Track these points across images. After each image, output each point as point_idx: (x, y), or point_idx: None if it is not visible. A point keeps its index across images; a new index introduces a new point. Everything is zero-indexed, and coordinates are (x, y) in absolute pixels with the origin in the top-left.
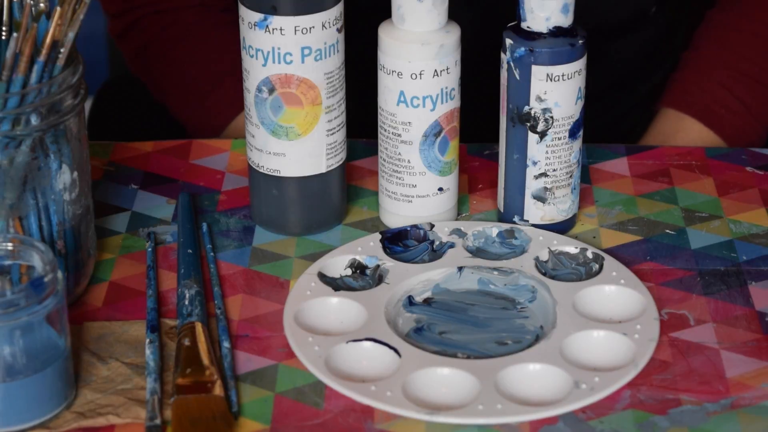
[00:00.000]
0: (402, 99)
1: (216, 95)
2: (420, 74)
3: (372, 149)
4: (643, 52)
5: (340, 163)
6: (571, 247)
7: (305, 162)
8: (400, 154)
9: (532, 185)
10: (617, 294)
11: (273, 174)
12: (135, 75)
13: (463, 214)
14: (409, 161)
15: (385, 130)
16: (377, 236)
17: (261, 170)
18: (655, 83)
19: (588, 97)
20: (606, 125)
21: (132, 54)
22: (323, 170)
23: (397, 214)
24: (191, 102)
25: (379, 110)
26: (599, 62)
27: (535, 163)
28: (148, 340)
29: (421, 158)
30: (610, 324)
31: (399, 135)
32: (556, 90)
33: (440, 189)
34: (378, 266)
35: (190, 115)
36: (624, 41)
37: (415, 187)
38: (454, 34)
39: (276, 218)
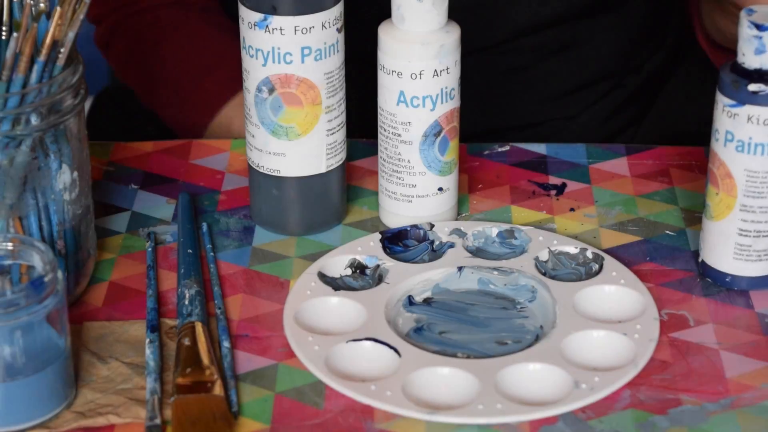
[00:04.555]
0: (402, 99)
1: (197, 93)
2: (420, 74)
3: (372, 149)
4: (625, 38)
5: (340, 163)
6: (571, 247)
7: (305, 162)
8: (400, 154)
9: None
10: (617, 294)
11: (273, 174)
12: (124, 84)
13: (463, 214)
14: (409, 161)
15: (385, 130)
16: (377, 236)
17: (261, 170)
18: (644, 77)
19: (575, 87)
20: (598, 122)
21: (117, 62)
22: (323, 170)
23: (397, 213)
24: (174, 101)
25: (379, 110)
26: (579, 48)
27: None
28: (148, 340)
29: (421, 158)
30: (610, 324)
31: (399, 135)
32: None
33: (440, 189)
34: (378, 266)
35: (175, 114)
36: (600, 24)
37: (415, 187)
38: (454, 34)
39: (276, 218)
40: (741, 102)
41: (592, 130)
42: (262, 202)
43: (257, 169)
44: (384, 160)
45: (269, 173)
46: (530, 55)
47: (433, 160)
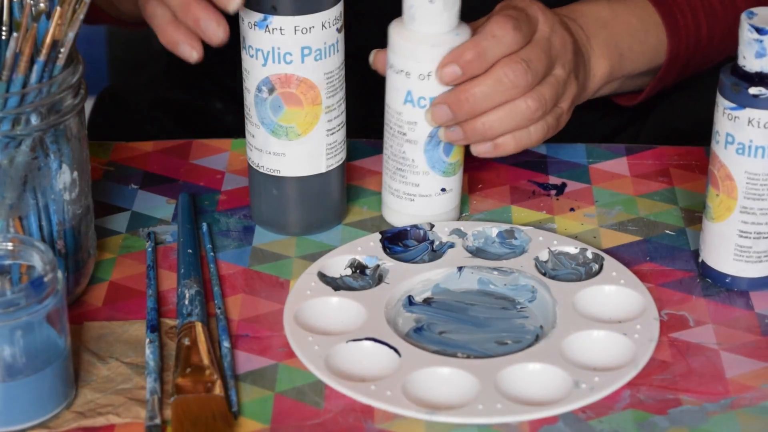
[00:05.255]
0: (409, 98)
1: None
2: (428, 75)
3: (372, 149)
4: None
5: (340, 163)
6: (571, 248)
7: (305, 162)
8: (404, 152)
9: None
10: (617, 294)
11: (273, 174)
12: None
13: (464, 214)
14: (413, 160)
15: (391, 128)
16: (377, 236)
17: (261, 170)
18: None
19: None
20: (594, 120)
21: None
22: (323, 170)
23: (399, 212)
24: None
25: (386, 107)
26: None
27: None
28: (148, 340)
29: (425, 158)
30: (610, 324)
31: (404, 134)
32: None
33: (443, 189)
34: (378, 266)
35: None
36: None
37: (418, 186)
38: (464, 36)
39: (276, 218)
40: (741, 105)
41: (588, 129)
42: (262, 202)
43: (257, 168)
44: (388, 157)
45: (269, 173)
46: None
47: (437, 161)
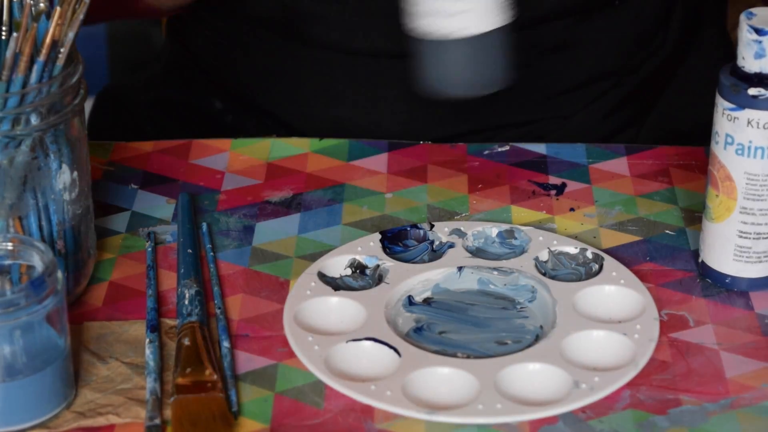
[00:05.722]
0: None
1: None
2: None
3: (372, 149)
4: (623, 38)
5: (508, 21)
6: (571, 248)
7: (478, 19)
8: None
9: None
10: (617, 294)
11: (445, 35)
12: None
13: (463, 214)
14: None
15: None
16: (377, 236)
17: (432, 35)
18: (643, 78)
19: (572, 86)
20: (595, 121)
21: None
22: (492, 27)
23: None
24: None
25: None
26: (577, 47)
27: None
28: (147, 340)
29: None
30: (609, 324)
31: None
32: None
33: None
34: (378, 266)
35: None
36: (598, 24)
37: None
38: None
39: (447, 79)
40: (741, 106)
41: (588, 130)
42: (434, 66)
43: (427, 34)
44: None
45: (440, 36)
46: (527, 53)
47: None
